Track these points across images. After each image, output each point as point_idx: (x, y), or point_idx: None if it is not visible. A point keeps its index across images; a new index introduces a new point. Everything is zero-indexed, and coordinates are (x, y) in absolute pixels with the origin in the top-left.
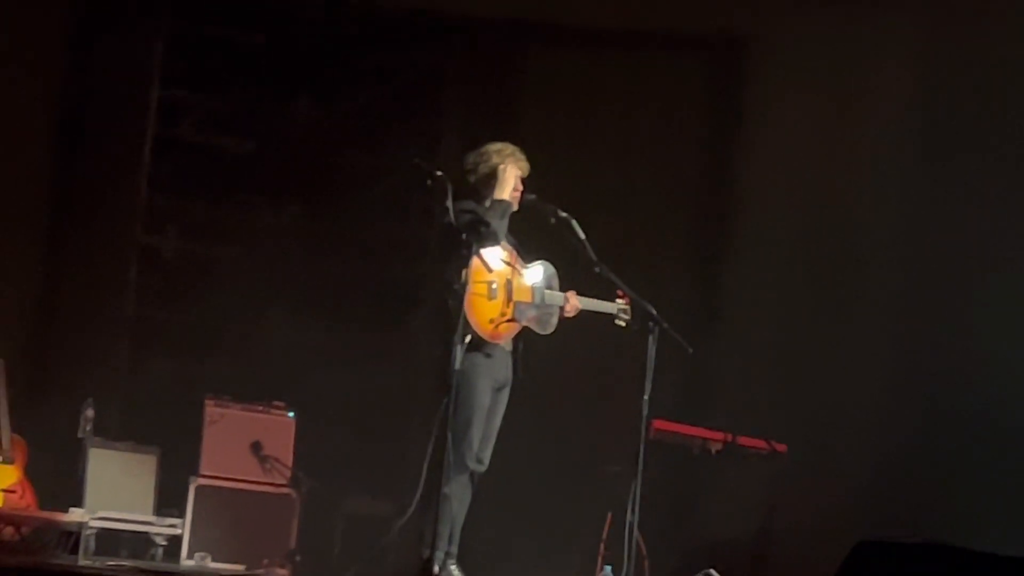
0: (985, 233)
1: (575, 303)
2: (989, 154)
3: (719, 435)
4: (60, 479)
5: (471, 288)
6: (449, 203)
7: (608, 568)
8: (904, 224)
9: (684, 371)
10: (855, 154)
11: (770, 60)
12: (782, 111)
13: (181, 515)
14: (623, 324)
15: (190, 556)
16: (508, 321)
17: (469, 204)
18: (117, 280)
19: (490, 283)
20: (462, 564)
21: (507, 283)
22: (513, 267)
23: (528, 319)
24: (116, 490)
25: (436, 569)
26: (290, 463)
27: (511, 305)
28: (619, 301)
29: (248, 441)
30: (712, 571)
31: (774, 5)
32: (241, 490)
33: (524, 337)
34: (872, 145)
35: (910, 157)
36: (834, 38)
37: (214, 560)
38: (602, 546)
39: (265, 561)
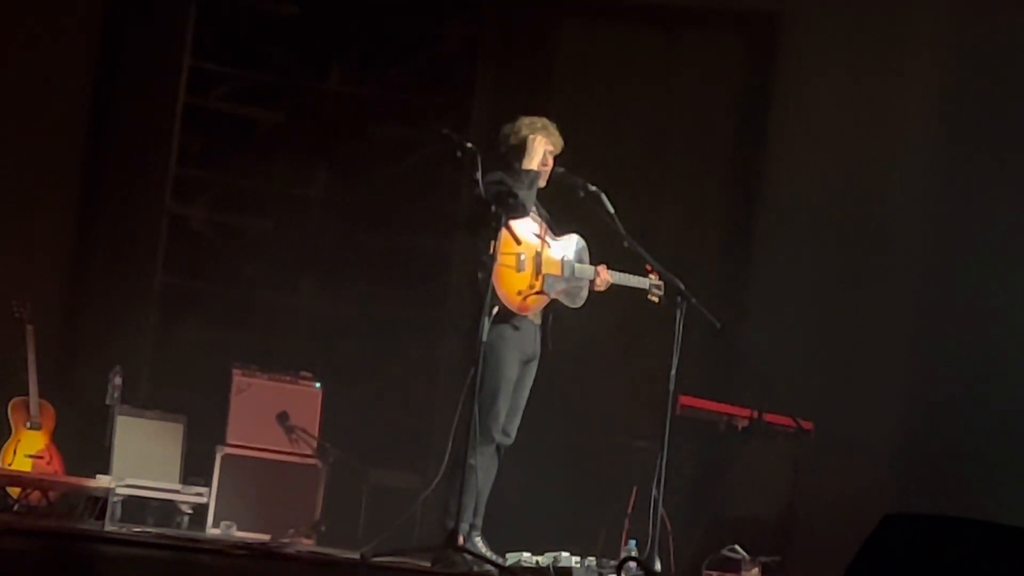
0: (1014, 213)
1: (605, 277)
2: (1019, 134)
3: (745, 411)
4: (87, 446)
5: (499, 260)
6: (479, 175)
7: (633, 542)
8: (933, 202)
9: (712, 347)
10: (885, 132)
11: (803, 36)
12: (814, 87)
13: (207, 484)
14: (656, 300)
15: (215, 525)
16: (536, 293)
17: (498, 175)
18: (147, 249)
19: (519, 255)
20: (487, 536)
21: (536, 255)
22: (543, 240)
23: (557, 292)
24: (143, 458)
25: (461, 540)
26: (316, 433)
27: (540, 277)
28: (651, 277)
29: (275, 411)
30: (737, 546)
31: None
32: (267, 460)
33: (553, 310)
34: (902, 123)
35: (940, 136)
36: (866, 15)
37: (239, 529)
38: (627, 520)
39: (290, 531)
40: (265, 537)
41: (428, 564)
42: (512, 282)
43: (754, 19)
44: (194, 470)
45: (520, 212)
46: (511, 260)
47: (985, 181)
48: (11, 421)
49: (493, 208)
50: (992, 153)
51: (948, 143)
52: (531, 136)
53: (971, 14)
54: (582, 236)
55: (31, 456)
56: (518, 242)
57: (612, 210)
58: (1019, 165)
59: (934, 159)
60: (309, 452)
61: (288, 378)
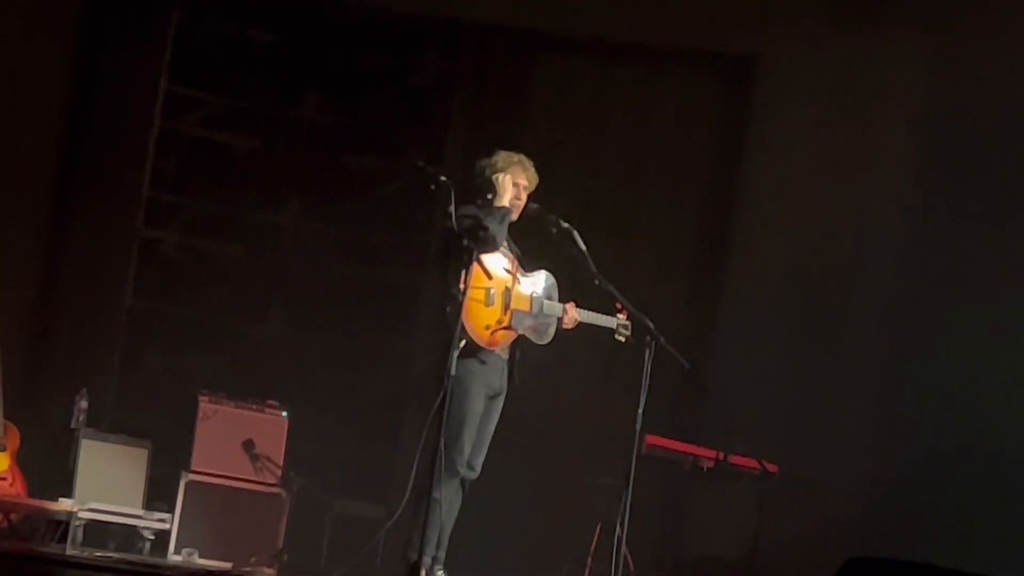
0: (983, 261)
1: (574, 315)
2: (991, 182)
3: (711, 452)
4: (51, 468)
5: (469, 293)
6: (452, 207)
7: None
8: (903, 248)
9: (679, 387)
10: (858, 176)
11: (778, 80)
12: (789, 129)
13: (170, 510)
14: (623, 339)
15: (177, 551)
16: (504, 328)
17: (471, 209)
18: (117, 273)
19: (488, 289)
20: (449, 570)
21: (505, 290)
22: (513, 275)
23: (525, 328)
24: (106, 482)
25: (423, 574)
26: (281, 462)
27: (508, 313)
28: (619, 316)
29: (240, 439)
30: None
31: (783, 26)
32: (231, 487)
33: (521, 346)
34: (874, 168)
35: (912, 181)
36: (841, 61)
37: (201, 556)
38: (590, 559)
39: (252, 559)
40: (227, 565)
41: None
42: (480, 316)
43: (730, 60)
44: (158, 496)
45: (490, 246)
46: (480, 294)
47: (958, 225)
48: None
49: (464, 241)
50: (966, 198)
51: (920, 187)
52: (503, 173)
53: (945, 61)
54: (553, 273)
55: None
56: (489, 276)
57: (584, 247)
58: (991, 214)
59: (907, 204)
60: (273, 481)
61: (255, 406)
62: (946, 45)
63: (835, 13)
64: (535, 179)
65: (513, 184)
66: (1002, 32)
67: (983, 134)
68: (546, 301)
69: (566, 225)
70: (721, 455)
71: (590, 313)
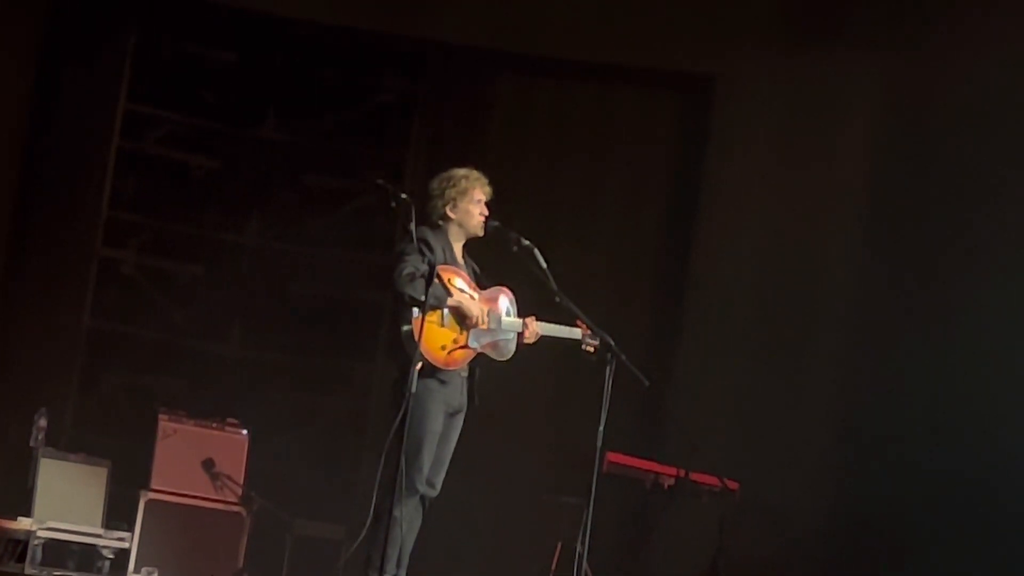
0: (944, 283)
1: (534, 328)
2: (950, 203)
3: (672, 470)
4: (10, 488)
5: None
6: (412, 226)
7: None
8: (863, 267)
9: (640, 404)
10: (818, 195)
11: (736, 100)
12: (747, 149)
13: (130, 529)
14: (591, 350)
15: (137, 570)
16: (461, 348)
17: (424, 231)
18: (76, 292)
19: (442, 309)
20: None
21: None
22: (470, 293)
23: (483, 345)
24: (66, 501)
25: None
26: (242, 481)
27: (464, 332)
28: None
29: (200, 457)
30: None
31: (742, 46)
32: (191, 506)
33: (481, 364)
34: (834, 187)
35: (870, 201)
36: (800, 81)
37: (161, 575)
38: None
39: None
40: None
41: None
42: (435, 337)
43: (689, 80)
44: (117, 515)
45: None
46: (435, 314)
47: (916, 249)
48: None
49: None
50: (923, 222)
51: (880, 209)
52: (466, 193)
53: (902, 83)
54: (511, 289)
55: None
56: (448, 294)
57: (544, 265)
58: (950, 235)
59: (866, 223)
60: (234, 499)
61: (215, 425)
62: (903, 67)
63: (793, 34)
64: (490, 191)
65: (477, 201)
66: (958, 55)
67: (940, 155)
68: (504, 317)
69: (527, 243)
70: (682, 472)
71: (553, 325)
